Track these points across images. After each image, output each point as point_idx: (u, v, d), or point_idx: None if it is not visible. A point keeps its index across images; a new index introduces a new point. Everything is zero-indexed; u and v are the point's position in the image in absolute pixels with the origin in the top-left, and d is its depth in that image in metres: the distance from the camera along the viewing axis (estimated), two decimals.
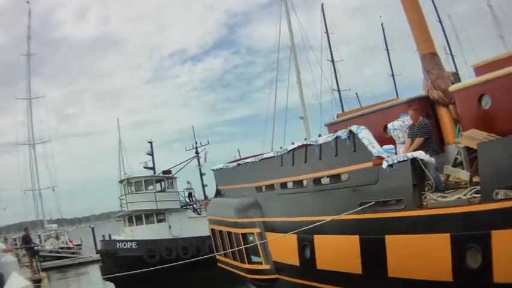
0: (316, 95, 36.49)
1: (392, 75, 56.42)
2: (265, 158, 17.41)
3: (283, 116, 34.81)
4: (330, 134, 14.19)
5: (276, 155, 16.63)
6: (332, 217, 12.84)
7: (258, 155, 18.60)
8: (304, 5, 65.04)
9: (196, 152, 42.63)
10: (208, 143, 42.47)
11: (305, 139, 15.70)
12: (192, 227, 35.01)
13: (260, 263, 17.29)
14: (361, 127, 12.73)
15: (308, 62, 37.14)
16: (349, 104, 41.90)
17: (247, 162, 19.07)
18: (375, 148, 12.09)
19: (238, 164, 20.02)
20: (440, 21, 48.19)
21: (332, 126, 17.00)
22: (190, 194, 41.10)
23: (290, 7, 35.05)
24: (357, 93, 44.42)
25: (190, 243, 34.29)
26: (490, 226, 9.30)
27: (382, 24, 58.07)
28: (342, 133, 13.14)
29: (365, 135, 12.49)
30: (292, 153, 15.62)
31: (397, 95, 40.99)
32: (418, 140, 12.31)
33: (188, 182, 41.57)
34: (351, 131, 12.87)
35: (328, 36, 48.93)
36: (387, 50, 57.61)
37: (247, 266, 18.06)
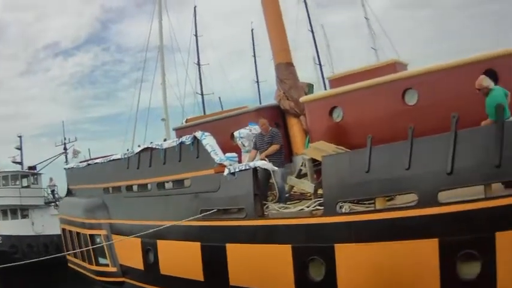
0: (179, 97, 33.70)
1: (257, 81, 54.17)
2: (113, 160, 15.38)
3: (146, 117, 31.71)
4: (175, 139, 12.66)
5: (122, 157, 14.50)
6: (173, 222, 11.23)
7: (107, 156, 16.22)
8: (178, 6, 60.81)
9: (65, 148, 38.51)
10: (76, 140, 38.58)
11: (151, 142, 13.41)
12: (54, 224, 31.25)
13: (107, 265, 15.28)
14: (206, 133, 11.39)
15: (175, 64, 34.17)
16: (212, 107, 39.13)
17: (96, 162, 16.69)
18: (217, 155, 10.85)
19: (88, 164, 17.70)
20: (312, 31, 45.84)
21: (179, 131, 15.34)
22: (53, 191, 36.95)
23: (163, 7, 31.66)
24: (219, 98, 41.59)
25: (51, 240, 31.01)
26: (334, 239, 8.25)
27: (252, 30, 55.41)
28: (186, 139, 11.69)
29: (209, 141, 11.16)
30: (138, 156, 13.81)
31: (260, 101, 39.70)
32: (275, 146, 10.44)
33: (51, 179, 37.45)
34: (195, 137, 11.44)
35: (196, 39, 45.53)
36: (254, 56, 55.19)
37: (95, 267, 15.94)
